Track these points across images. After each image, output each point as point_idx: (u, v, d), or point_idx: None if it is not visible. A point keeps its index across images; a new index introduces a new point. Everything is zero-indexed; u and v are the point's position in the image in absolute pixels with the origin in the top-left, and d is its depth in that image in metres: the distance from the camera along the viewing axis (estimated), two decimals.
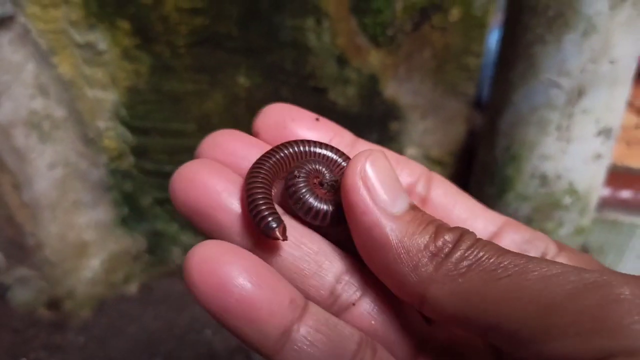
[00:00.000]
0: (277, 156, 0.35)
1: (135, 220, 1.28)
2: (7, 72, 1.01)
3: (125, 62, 1.04)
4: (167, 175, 1.16)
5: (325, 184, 0.35)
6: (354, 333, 0.32)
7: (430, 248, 0.30)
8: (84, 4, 0.98)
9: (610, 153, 0.88)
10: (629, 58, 0.80)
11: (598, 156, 0.86)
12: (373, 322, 0.33)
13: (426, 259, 0.30)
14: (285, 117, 0.38)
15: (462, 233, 0.31)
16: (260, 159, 0.35)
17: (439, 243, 0.30)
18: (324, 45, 0.92)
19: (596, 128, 0.83)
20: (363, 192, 0.31)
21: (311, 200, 0.33)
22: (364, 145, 0.39)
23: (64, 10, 0.99)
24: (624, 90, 0.81)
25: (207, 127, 1.08)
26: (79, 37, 1.02)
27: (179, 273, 1.40)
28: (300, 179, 0.34)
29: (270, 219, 0.32)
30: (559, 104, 0.81)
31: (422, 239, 0.30)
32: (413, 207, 0.32)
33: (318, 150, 0.36)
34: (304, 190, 0.33)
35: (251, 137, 0.38)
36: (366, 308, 0.33)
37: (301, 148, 0.35)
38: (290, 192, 0.33)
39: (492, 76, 0.92)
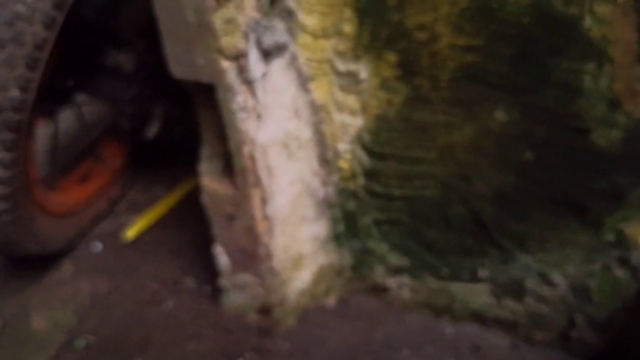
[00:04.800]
0: None
1: (348, 237, 1.34)
2: (274, 96, 1.09)
3: (381, 92, 1.09)
4: (394, 198, 1.21)
5: None
6: None
7: None
8: (355, 37, 1.04)
9: None
10: None
11: None
12: None
13: None
14: None
15: None
16: None
17: None
18: (599, 88, 0.93)
19: None
20: None
21: None
22: None
23: (333, 42, 1.06)
24: None
25: (448, 157, 1.12)
26: (342, 66, 1.09)
27: (375, 291, 1.45)
28: None
29: None
30: None
31: None
32: None
33: None
34: None
35: None
36: None
37: None
38: None
39: None
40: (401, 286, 1.41)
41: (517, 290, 1.28)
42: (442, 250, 1.29)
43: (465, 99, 1.04)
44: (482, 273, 1.29)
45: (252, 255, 1.25)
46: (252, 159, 1.09)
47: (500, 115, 1.03)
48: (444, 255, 1.30)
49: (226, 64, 0.97)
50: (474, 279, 1.31)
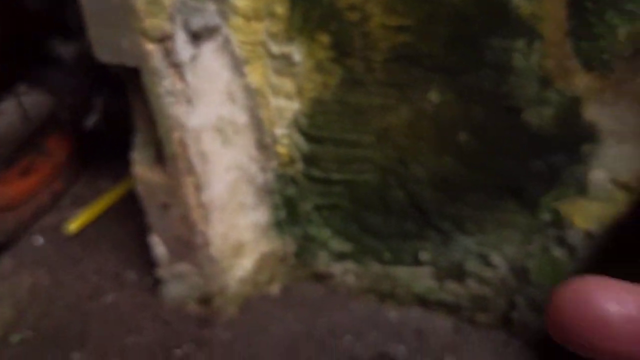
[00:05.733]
0: None
1: (289, 223, 1.32)
2: (206, 80, 1.06)
3: (316, 74, 1.07)
4: (333, 183, 1.19)
5: None
6: None
7: None
8: (287, 19, 1.02)
9: None
10: None
11: None
12: None
13: None
14: None
15: None
16: None
17: None
18: (530, 66, 0.93)
19: None
20: None
21: None
22: None
23: (266, 24, 1.03)
24: None
25: (385, 140, 1.11)
26: (276, 49, 1.06)
27: (320, 278, 1.44)
28: None
29: None
30: None
31: None
32: None
33: None
34: None
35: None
36: None
37: None
38: None
39: None
40: (345, 272, 1.40)
41: (458, 273, 1.28)
42: (383, 234, 1.28)
43: (399, 81, 1.03)
44: (424, 256, 1.28)
45: (188, 244, 1.22)
46: (183, 145, 1.06)
47: (434, 96, 1.02)
48: (386, 240, 1.29)
49: (151, 47, 0.93)
50: (416, 262, 1.31)
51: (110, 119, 1.75)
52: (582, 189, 1.06)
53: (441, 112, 1.04)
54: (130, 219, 1.70)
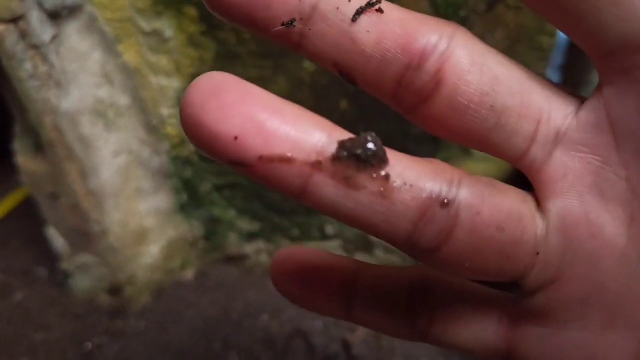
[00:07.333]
0: None
1: (193, 207, 1.30)
2: (75, 61, 1.02)
3: (191, 49, 1.04)
4: None
5: None
6: None
7: None
8: None
9: None
10: None
11: None
12: None
13: None
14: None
15: None
16: None
17: None
18: None
19: None
20: None
21: None
22: None
23: None
24: None
25: None
26: (145, 25, 1.03)
27: (234, 260, 1.42)
28: None
29: None
30: None
31: None
32: None
33: None
34: None
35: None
36: None
37: None
38: None
39: (567, 56, 0.91)
40: (258, 252, 1.38)
41: (365, 244, 1.28)
42: (287, 211, 1.27)
43: (272, 51, 1.01)
44: (330, 230, 1.27)
45: (85, 234, 1.19)
46: (59, 130, 1.02)
47: (307, 65, 1.01)
48: (291, 216, 1.28)
49: (2, 28, 0.89)
50: (324, 237, 1.30)
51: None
52: (466, 149, 1.05)
53: (318, 80, 1.02)
54: (40, 215, 1.66)
